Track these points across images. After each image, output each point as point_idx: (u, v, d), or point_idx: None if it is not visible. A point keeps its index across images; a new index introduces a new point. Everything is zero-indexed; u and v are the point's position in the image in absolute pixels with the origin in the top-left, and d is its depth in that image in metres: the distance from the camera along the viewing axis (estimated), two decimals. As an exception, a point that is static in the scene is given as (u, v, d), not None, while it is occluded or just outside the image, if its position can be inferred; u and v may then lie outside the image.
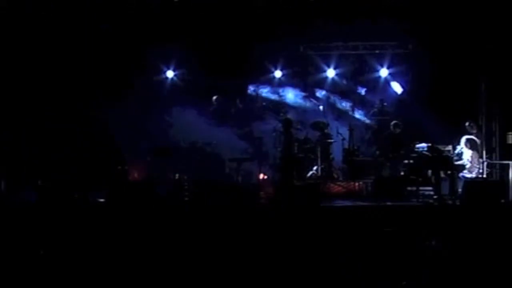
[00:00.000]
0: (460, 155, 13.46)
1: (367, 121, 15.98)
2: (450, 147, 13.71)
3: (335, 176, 14.62)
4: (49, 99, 14.34)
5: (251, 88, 16.17)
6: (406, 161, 13.76)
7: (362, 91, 16.03)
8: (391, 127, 14.27)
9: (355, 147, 14.89)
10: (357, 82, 16.05)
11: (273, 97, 16.29)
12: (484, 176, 13.67)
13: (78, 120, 14.19)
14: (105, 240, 11.17)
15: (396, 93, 15.68)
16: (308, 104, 16.10)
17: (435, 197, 12.77)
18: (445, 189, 12.81)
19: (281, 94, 16.23)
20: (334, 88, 16.14)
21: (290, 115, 14.92)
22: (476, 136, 13.83)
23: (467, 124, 13.86)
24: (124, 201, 12.05)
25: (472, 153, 13.47)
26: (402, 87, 15.58)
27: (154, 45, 14.64)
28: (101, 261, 10.80)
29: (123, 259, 10.86)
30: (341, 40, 15.48)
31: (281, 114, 14.76)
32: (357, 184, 14.20)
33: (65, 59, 14.38)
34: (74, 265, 10.69)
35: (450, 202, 12.52)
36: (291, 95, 16.24)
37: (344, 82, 16.01)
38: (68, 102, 14.41)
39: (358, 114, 16.09)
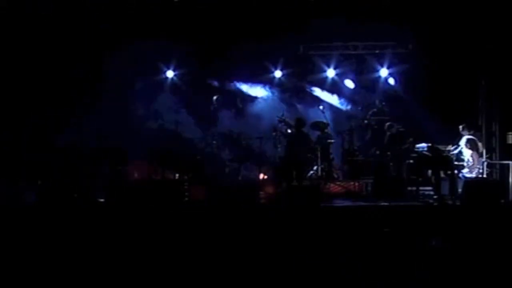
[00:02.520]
0: (460, 155, 13.46)
1: (341, 106, 16.10)
2: (450, 147, 13.71)
3: (335, 176, 14.62)
4: (49, 98, 14.33)
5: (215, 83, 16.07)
6: (406, 161, 13.78)
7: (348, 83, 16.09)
8: (386, 128, 14.30)
9: (355, 147, 14.89)
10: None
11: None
12: (484, 176, 13.68)
13: (78, 120, 14.17)
14: (105, 240, 11.18)
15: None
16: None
17: (435, 197, 12.78)
18: (445, 189, 12.82)
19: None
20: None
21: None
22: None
23: (461, 127, 13.80)
24: (124, 201, 12.04)
25: (472, 153, 13.47)
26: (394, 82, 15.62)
27: (154, 45, 14.67)
28: (101, 260, 10.81)
29: (123, 259, 10.87)
30: (341, 40, 15.48)
31: (281, 115, 14.71)
32: (357, 184, 14.22)
33: (65, 57, 14.37)
34: (74, 265, 10.69)
35: (450, 202, 12.53)
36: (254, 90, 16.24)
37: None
38: (68, 102, 14.40)
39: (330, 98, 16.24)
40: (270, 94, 16.00)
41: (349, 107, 16.08)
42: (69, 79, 14.43)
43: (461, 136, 13.65)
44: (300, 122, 13.97)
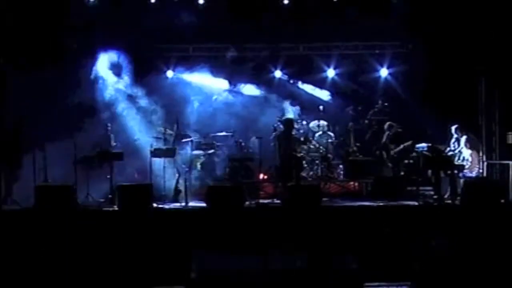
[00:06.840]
0: (460, 155, 13.42)
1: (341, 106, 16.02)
2: (450, 147, 13.66)
3: (335, 176, 14.61)
4: (50, 97, 14.27)
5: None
6: (406, 161, 13.74)
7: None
8: (386, 127, 14.28)
9: (355, 147, 14.87)
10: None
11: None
12: (484, 176, 13.66)
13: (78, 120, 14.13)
14: (105, 240, 11.19)
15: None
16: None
17: (435, 197, 12.78)
18: (445, 189, 12.82)
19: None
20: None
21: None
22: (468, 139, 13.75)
23: (453, 128, 13.70)
24: (124, 201, 12.02)
25: (472, 153, 13.45)
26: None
27: (155, 45, 14.69)
28: (101, 260, 10.83)
29: (123, 259, 10.88)
30: (341, 40, 15.48)
31: (281, 115, 14.71)
32: (356, 184, 14.22)
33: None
34: (75, 265, 10.71)
35: (450, 202, 12.53)
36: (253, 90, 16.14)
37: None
38: (69, 102, 14.36)
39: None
40: (269, 94, 15.98)
41: (349, 107, 16.03)
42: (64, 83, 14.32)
43: (453, 136, 13.59)
44: (287, 122, 13.86)
